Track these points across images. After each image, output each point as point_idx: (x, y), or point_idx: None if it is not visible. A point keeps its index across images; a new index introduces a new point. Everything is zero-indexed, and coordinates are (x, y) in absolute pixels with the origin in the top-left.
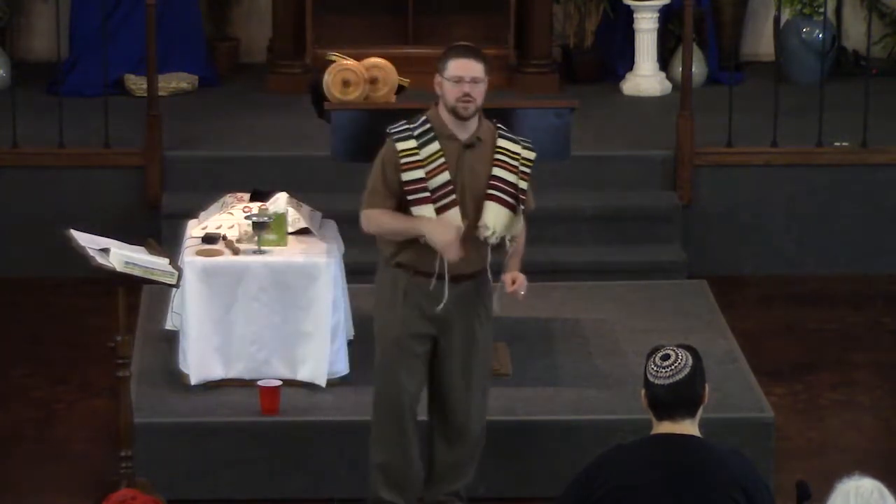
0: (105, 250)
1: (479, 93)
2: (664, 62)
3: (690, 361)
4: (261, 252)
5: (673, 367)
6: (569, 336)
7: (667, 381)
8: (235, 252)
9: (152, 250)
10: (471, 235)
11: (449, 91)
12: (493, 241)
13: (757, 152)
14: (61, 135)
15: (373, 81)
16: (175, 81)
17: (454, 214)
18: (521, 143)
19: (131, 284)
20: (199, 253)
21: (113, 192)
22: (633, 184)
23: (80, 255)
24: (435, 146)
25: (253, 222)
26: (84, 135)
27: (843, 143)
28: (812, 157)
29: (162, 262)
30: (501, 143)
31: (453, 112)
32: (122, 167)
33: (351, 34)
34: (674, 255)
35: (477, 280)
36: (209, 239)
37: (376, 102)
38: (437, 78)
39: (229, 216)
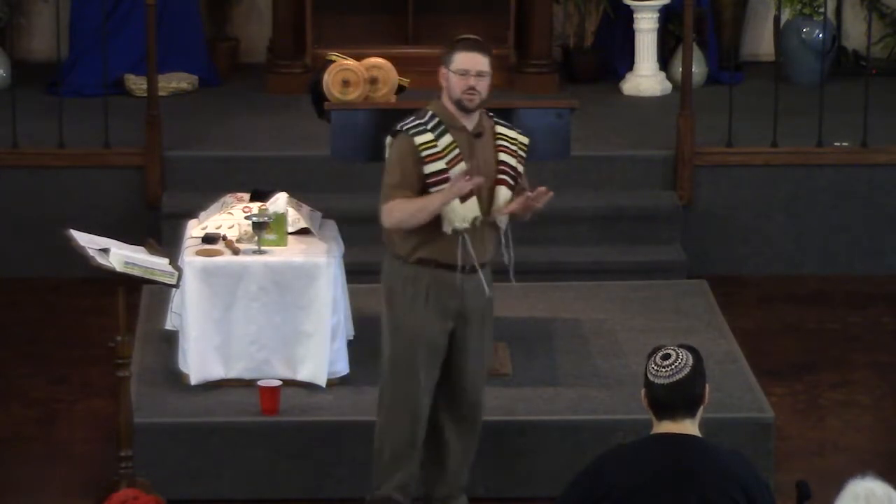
0: (105, 250)
1: (484, 86)
2: (664, 62)
3: (691, 361)
4: (261, 252)
5: (673, 366)
6: (569, 336)
7: (667, 381)
8: (235, 252)
9: (152, 250)
10: (487, 222)
11: (455, 83)
12: (502, 223)
13: (757, 152)
14: (61, 135)
15: (373, 81)
16: (175, 81)
17: (473, 202)
18: (515, 129)
19: (131, 284)
20: (199, 253)
21: (113, 192)
22: (633, 184)
23: (80, 255)
24: (449, 138)
25: (253, 222)
26: (84, 135)
27: (843, 143)
28: (812, 157)
29: (162, 262)
30: (500, 129)
31: (458, 104)
32: (122, 167)
33: (351, 34)
34: (674, 255)
35: (485, 269)
36: (209, 239)
37: (376, 102)
38: (443, 70)
39: (229, 216)
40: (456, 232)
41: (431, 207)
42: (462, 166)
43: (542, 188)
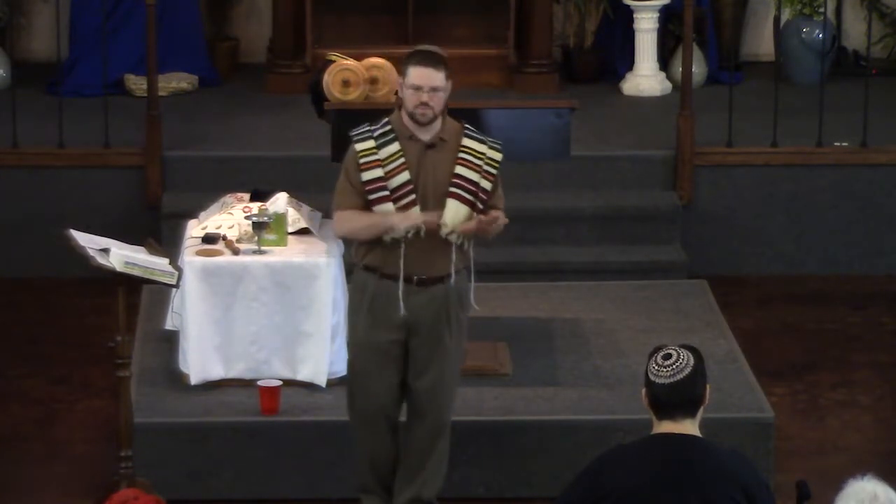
0: (105, 250)
1: (437, 101)
2: (664, 62)
3: (692, 361)
4: (261, 252)
5: (674, 366)
6: (569, 336)
7: (667, 381)
8: (235, 252)
9: (152, 250)
10: (434, 235)
11: (408, 98)
12: (453, 239)
13: (757, 152)
14: (61, 135)
15: (373, 81)
16: (175, 81)
17: (415, 214)
18: (489, 143)
19: (131, 284)
20: (199, 253)
21: (113, 192)
22: (633, 184)
23: (80, 255)
24: (395, 147)
25: (253, 222)
26: (84, 135)
27: (843, 143)
28: (812, 157)
29: (162, 262)
30: (466, 142)
31: (412, 118)
32: (122, 167)
33: (351, 34)
34: (674, 255)
35: (447, 284)
36: (209, 239)
37: (376, 102)
38: (399, 80)
39: (229, 216)
40: (395, 242)
41: (380, 227)
42: (405, 176)
43: (494, 212)
